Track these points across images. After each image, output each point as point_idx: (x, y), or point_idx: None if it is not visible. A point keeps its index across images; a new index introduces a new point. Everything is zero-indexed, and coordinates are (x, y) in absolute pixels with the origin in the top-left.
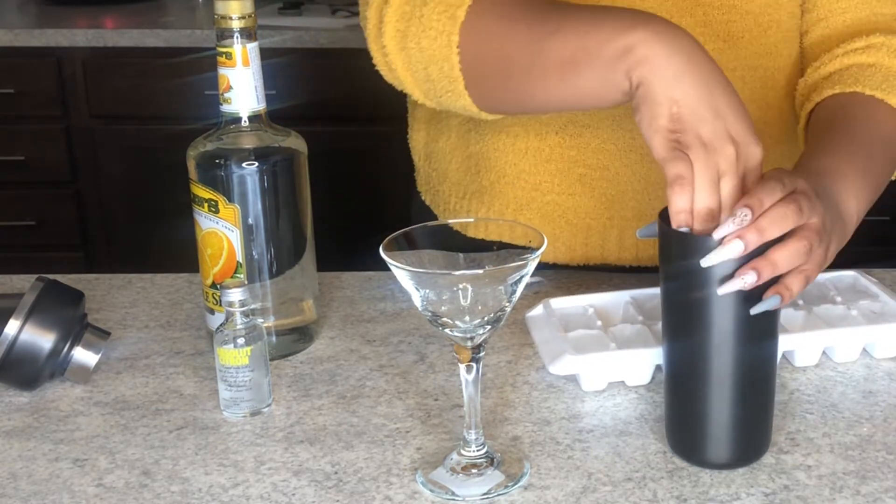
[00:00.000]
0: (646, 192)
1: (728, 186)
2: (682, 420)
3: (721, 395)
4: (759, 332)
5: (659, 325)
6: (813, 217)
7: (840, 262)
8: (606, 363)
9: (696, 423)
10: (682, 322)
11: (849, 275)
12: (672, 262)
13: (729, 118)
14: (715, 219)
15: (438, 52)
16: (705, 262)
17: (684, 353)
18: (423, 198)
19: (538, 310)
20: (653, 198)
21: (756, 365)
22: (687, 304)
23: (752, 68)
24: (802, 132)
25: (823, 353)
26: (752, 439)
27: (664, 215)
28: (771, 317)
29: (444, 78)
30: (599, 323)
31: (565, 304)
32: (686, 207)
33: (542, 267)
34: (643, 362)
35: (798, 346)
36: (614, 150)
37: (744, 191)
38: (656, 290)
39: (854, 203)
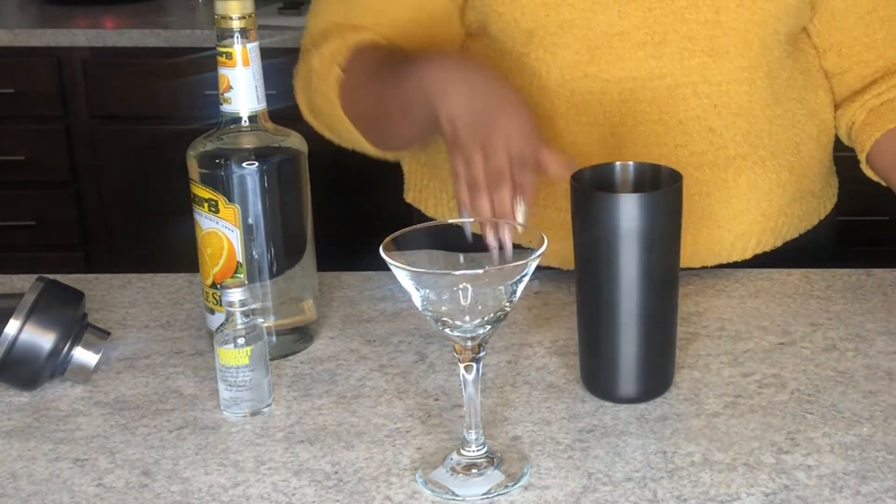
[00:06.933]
0: None
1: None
2: (594, 360)
3: (628, 335)
4: (660, 277)
5: None
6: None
7: (840, 262)
8: None
9: (607, 362)
10: (593, 272)
11: None
12: (581, 217)
13: (501, 130)
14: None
15: (331, 113)
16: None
17: (594, 299)
18: (404, 196)
19: None
20: None
21: (659, 307)
22: (595, 254)
23: (738, 82)
24: (866, 150)
25: None
26: (656, 376)
27: (576, 177)
28: (671, 263)
29: (344, 130)
30: None
31: None
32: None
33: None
34: None
35: None
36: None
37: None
38: None
39: None
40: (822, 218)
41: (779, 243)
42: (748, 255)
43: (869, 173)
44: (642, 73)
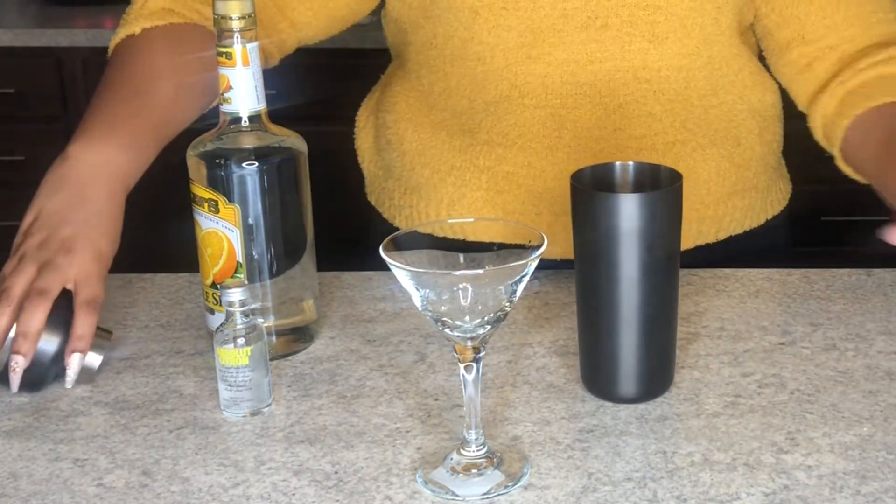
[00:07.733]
0: None
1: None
2: (594, 360)
3: (628, 335)
4: (660, 276)
5: None
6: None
7: (841, 262)
8: None
9: (606, 362)
10: (593, 272)
11: None
12: (581, 217)
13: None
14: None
15: None
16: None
17: (594, 299)
18: (369, 199)
19: None
20: None
21: (659, 306)
22: (595, 254)
23: (676, 68)
24: (838, 142)
25: None
26: (656, 376)
27: (576, 177)
28: (671, 263)
29: None
30: None
31: None
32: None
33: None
34: None
35: None
36: (539, 148)
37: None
38: None
39: None
40: (769, 218)
41: (722, 236)
42: (689, 244)
43: (846, 169)
44: (583, 56)
